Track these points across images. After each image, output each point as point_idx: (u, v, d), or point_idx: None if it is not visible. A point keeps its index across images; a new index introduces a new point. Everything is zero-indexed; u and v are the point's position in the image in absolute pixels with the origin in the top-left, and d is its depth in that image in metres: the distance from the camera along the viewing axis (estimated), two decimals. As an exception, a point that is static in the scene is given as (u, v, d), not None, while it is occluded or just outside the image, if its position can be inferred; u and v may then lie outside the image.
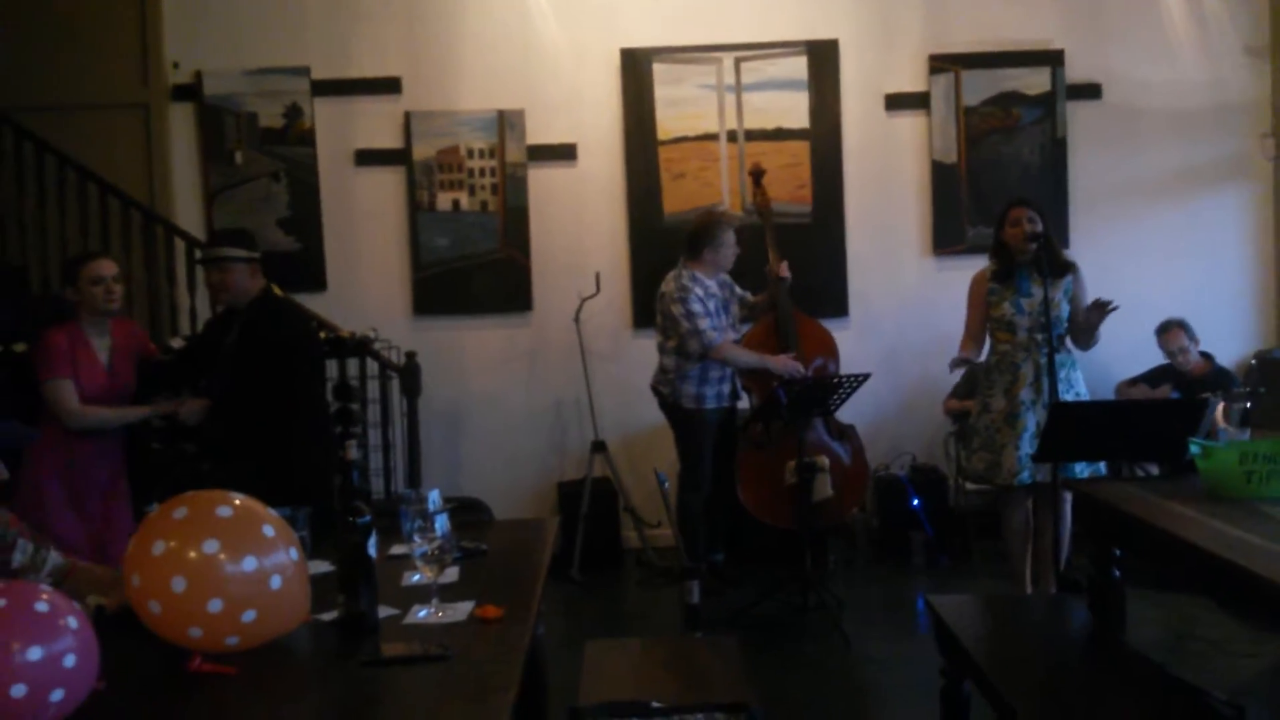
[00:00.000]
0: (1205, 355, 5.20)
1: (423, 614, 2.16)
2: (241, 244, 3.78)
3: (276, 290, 3.91)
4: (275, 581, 1.94)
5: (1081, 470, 4.04)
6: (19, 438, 3.80)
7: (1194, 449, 2.89)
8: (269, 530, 1.99)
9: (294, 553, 2.01)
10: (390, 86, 5.63)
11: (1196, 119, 5.73)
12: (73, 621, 1.70)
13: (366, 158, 5.68)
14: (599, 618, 4.81)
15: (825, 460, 4.70)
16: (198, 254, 3.83)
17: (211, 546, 1.91)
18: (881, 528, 5.39)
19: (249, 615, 1.91)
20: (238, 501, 2.02)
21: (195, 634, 1.91)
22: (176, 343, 4.38)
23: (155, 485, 3.73)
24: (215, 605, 1.88)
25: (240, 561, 1.92)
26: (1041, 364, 4.07)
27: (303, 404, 3.74)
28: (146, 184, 5.55)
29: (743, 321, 4.91)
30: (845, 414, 4.77)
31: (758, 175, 5.07)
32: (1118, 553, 3.00)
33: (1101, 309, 4.02)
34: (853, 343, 5.40)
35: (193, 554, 1.90)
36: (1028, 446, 4.04)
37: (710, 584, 4.66)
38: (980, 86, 5.67)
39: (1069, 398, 4.10)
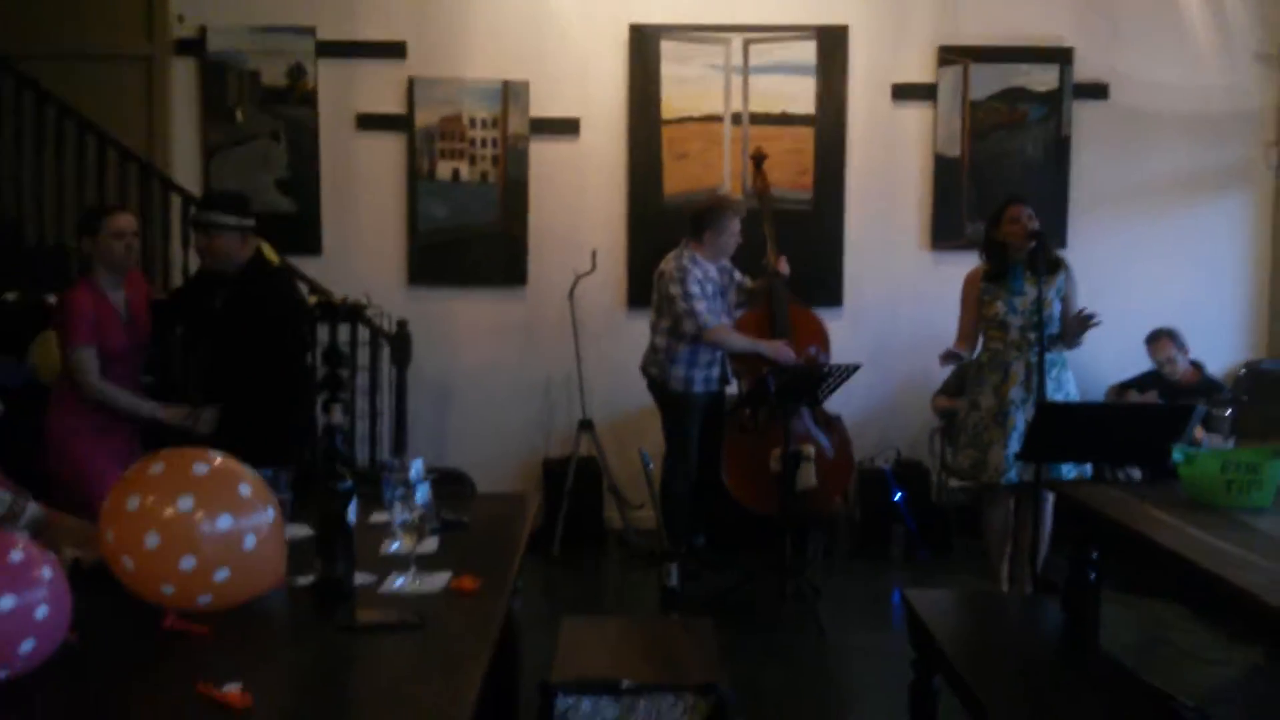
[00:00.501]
0: (1195, 364, 5.21)
1: (400, 583, 2.17)
2: (234, 209, 3.71)
3: (270, 254, 3.89)
4: (250, 541, 1.94)
5: (1068, 471, 4.06)
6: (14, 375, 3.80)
7: (1177, 455, 2.90)
8: (245, 489, 1.99)
9: (270, 513, 2.01)
10: (395, 51, 5.59)
11: (1202, 124, 5.71)
12: (47, 573, 1.70)
13: (368, 122, 5.64)
14: (578, 596, 4.83)
15: (811, 450, 4.71)
16: (192, 216, 3.76)
17: (186, 503, 1.91)
18: (863, 520, 5.41)
19: (222, 574, 1.91)
20: (216, 459, 2.01)
21: (168, 591, 1.91)
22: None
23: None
24: (188, 563, 1.89)
25: (215, 519, 1.92)
26: (1033, 363, 4.08)
27: (287, 373, 3.71)
28: (146, 137, 5.51)
29: (737, 308, 4.91)
30: (833, 405, 4.78)
31: (759, 160, 5.06)
32: (1095, 555, 3.01)
33: (1084, 321, 4.03)
34: (845, 333, 5.39)
35: (167, 510, 1.90)
36: (1015, 445, 4.05)
37: (690, 567, 4.68)
38: (988, 81, 5.64)
39: (1058, 398, 4.11)
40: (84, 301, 3.52)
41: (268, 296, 3.72)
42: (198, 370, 3.74)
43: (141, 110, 5.55)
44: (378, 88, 5.62)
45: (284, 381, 3.66)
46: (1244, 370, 5.55)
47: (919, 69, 5.68)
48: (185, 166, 5.56)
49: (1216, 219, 5.77)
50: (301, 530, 2.45)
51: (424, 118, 5.60)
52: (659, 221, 5.56)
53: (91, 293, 3.55)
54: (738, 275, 4.91)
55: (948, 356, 4.30)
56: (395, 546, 2.34)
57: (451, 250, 5.65)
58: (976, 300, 4.27)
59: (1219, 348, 5.60)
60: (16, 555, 1.68)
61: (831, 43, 5.61)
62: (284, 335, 3.73)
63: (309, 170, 5.61)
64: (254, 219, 3.77)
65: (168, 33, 5.55)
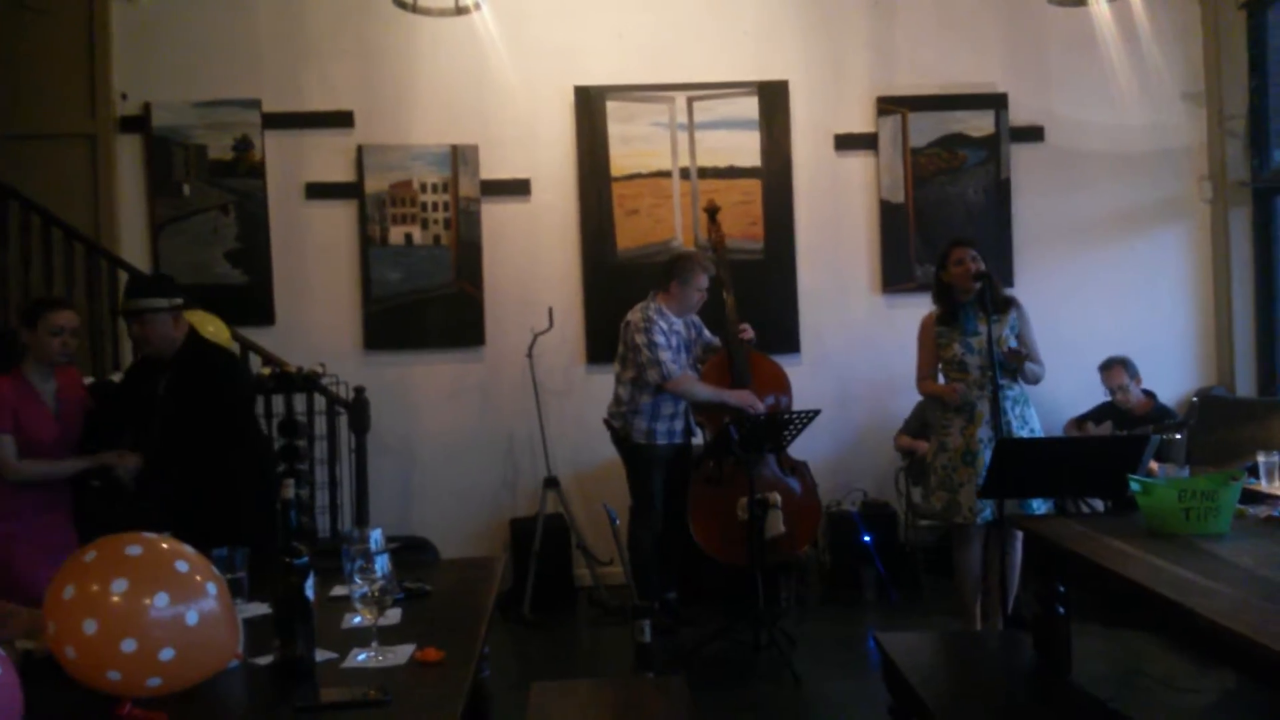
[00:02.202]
0: (1147, 393, 5.30)
1: (362, 658, 2.12)
2: (162, 291, 3.63)
3: (221, 328, 3.83)
4: (192, 618, 1.89)
5: (1038, 507, 4.08)
6: None
7: (1134, 486, 2.94)
8: (183, 566, 1.94)
9: (212, 587, 1.96)
10: (342, 120, 5.62)
11: (1136, 162, 5.88)
12: (-6, 668, 1.64)
13: (317, 191, 5.64)
14: (549, 658, 4.75)
15: (777, 497, 4.70)
16: (121, 305, 3.66)
17: (120, 585, 1.86)
18: (833, 564, 5.40)
19: (167, 654, 1.86)
20: (150, 539, 1.97)
21: (114, 677, 1.85)
22: (117, 377, 4.28)
23: (93, 524, 3.62)
24: (129, 645, 1.83)
25: (152, 599, 1.87)
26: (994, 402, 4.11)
27: (239, 450, 3.64)
28: (92, 215, 5.46)
29: (700, 363, 4.92)
30: (797, 450, 4.79)
31: (713, 212, 5.11)
32: (1062, 589, 3.03)
33: (1015, 355, 4.10)
34: (805, 379, 5.43)
35: (101, 595, 1.85)
36: (987, 484, 4.07)
37: (662, 623, 4.63)
38: (927, 128, 5.78)
39: (1024, 434, 4.15)
40: (3, 389, 3.46)
41: (211, 373, 3.64)
42: (146, 457, 3.63)
43: (87, 188, 5.50)
44: (326, 157, 5.63)
45: (238, 459, 3.59)
46: (1195, 398, 5.66)
47: (859, 119, 5.81)
48: (133, 243, 5.52)
49: (1158, 252, 5.91)
50: (259, 608, 2.40)
51: (374, 184, 5.61)
52: (614, 277, 5.60)
53: (14, 382, 3.49)
54: (706, 333, 4.94)
55: (952, 392, 4.26)
56: (357, 620, 2.30)
57: (407, 314, 5.63)
58: (933, 343, 4.33)
59: (1169, 377, 5.71)
60: (-39, 651, 1.62)
61: (773, 97, 5.73)
62: (234, 411, 3.67)
63: (259, 241, 5.58)
64: (182, 296, 3.71)
65: (111, 110, 5.53)
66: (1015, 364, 4.12)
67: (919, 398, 5.07)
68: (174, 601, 1.88)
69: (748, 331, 4.84)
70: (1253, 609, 2.14)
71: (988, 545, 4.27)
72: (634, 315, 4.74)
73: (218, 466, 3.51)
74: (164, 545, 1.98)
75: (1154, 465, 3.25)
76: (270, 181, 5.59)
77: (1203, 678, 3.79)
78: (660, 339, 4.63)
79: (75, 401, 3.65)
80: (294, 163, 5.62)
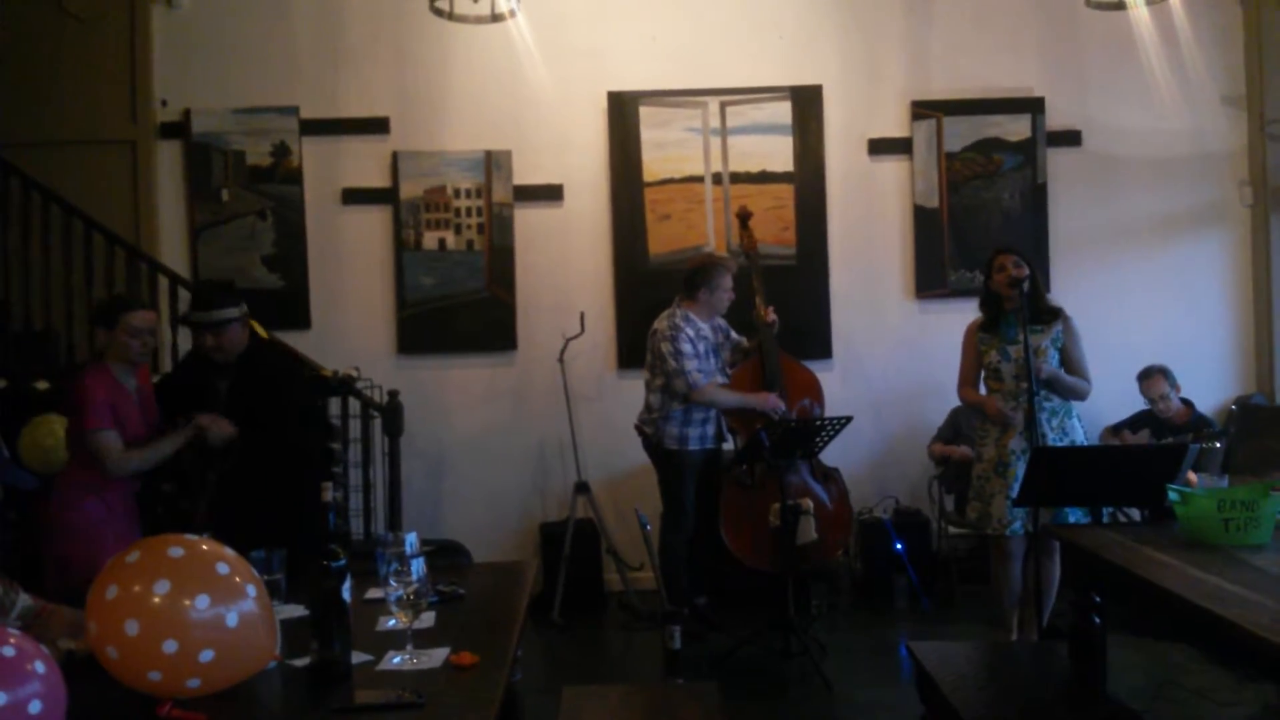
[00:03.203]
0: (1186, 402, 5.23)
1: (397, 660, 2.14)
2: (232, 300, 3.72)
3: (260, 331, 3.89)
4: (232, 619, 1.92)
5: (1074, 517, 4.03)
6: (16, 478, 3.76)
7: (1173, 496, 2.90)
8: (223, 568, 1.97)
9: (252, 589, 1.99)
10: (378, 126, 5.67)
11: (1175, 166, 5.81)
12: (40, 666, 1.67)
13: (353, 196, 5.70)
14: (579, 662, 4.76)
15: (809, 503, 4.68)
16: (191, 315, 3.71)
17: (163, 587, 1.89)
18: (865, 571, 5.37)
19: (207, 655, 1.88)
20: (191, 541, 2.00)
21: (155, 678, 1.88)
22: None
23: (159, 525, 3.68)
24: (170, 646, 1.86)
25: (193, 600, 1.89)
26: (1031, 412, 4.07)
27: (306, 450, 3.75)
28: (132, 220, 5.55)
29: (731, 366, 4.92)
30: (829, 456, 4.77)
31: (744, 218, 5.11)
32: (1099, 600, 2.99)
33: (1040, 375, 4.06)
34: (837, 384, 5.41)
35: (144, 596, 1.88)
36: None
37: (693, 628, 4.63)
38: (962, 133, 5.74)
39: (1062, 445, 4.10)
40: (98, 386, 3.49)
41: (276, 373, 3.77)
42: (215, 461, 3.67)
43: (127, 193, 5.59)
44: (362, 163, 5.69)
45: (305, 459, 3.66)
46: (1235, 406, 5.57)
47: (893, 124, 5.78)
48: (172, 248, 5.60)
49: (1197, 258, 5.83)
50: (296, 610, 2.43)
51: (409, 190, 5.66)
52: (645, 282, 5.61)
53: (105, 378, 3.52)
54: (734, 335, 4.94)
55: (993, 407, 4.24)
56: (391, 623, 2.31)
57: (440, 319, 5.67)
58: (975, 350, 4.30)
59: (1207, 385, 5.63)
60: (8, 650, 1.65)
61: (806, 102, 5.71)
62: (306, 408, 3.82)
63: (296, 246, 5.65)
64: (242, 299, 3.79)
65: (152, 117, 5.62)
66: (1042, 381, 4.07)
67: (953, 405, 5.05)
68: (215, 603, 1.91)
69: (771, 314, 4.82)
70: (1295, 622, 2.11)
71: (1025, 557, 4.23)
72: (660, 324, 4.74)
73: (285, 463, 3.59)
74: (205, 547, 2.01)
75: (1192, 476, 3.20)
76: (307, 187, 5.66)
77: (1241, 690, 3.73)
78: (687, 347, 4.62)
79: (151, 398, 3.72)
80: (330, 168, 5.68)
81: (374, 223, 5.70)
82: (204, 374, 3.74)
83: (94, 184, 5.48)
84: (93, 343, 5.12)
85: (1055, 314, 4.24)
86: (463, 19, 4.30)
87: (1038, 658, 3.30)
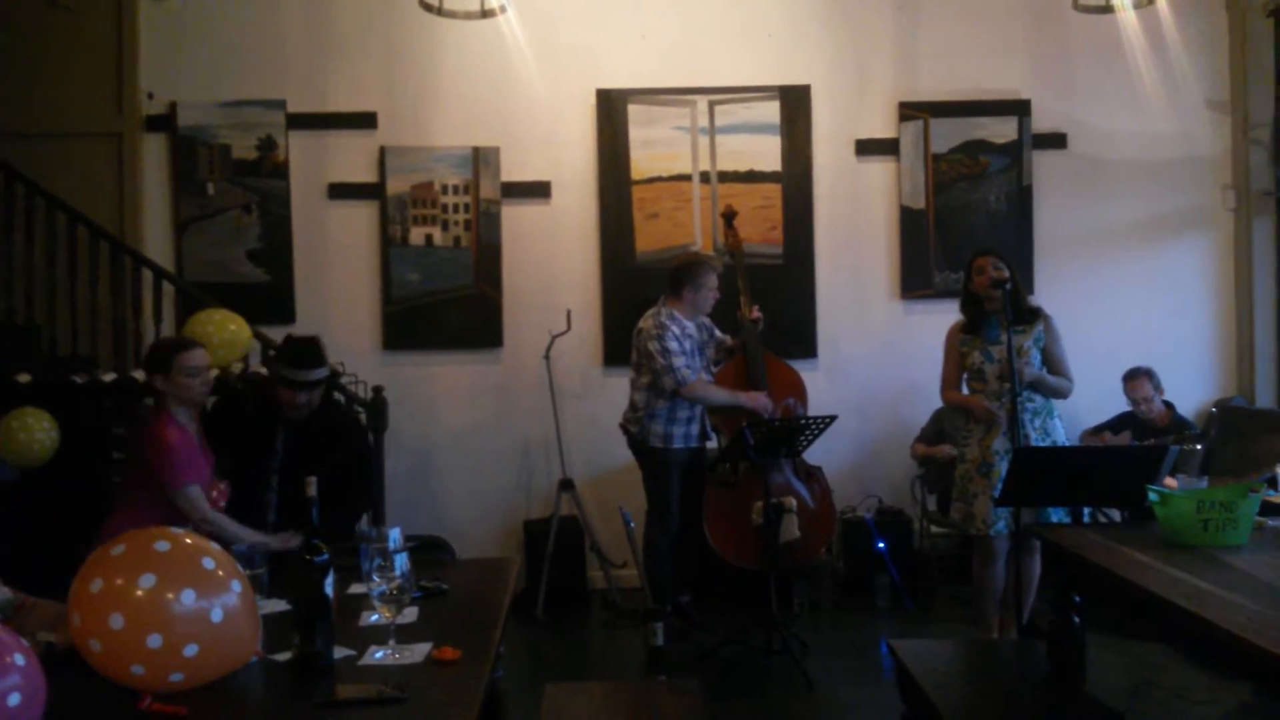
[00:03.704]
0: (1167, 404, 5.27)
1: (379, 655, 2.14)
2: (324, 358, 3.73)
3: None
4: (217, 614, 1.92)
5: (1055, 517, 4.06)
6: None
7: (1152, 496, 2.92)
8: (209, 563, 1.97)
9: (236, 584, 1.99)
10: (366, 121, 5.65)
11: (1159, 170, 5.85)
12: (19, 659, 1.66)
13: (340, 191, 5.68)
14: (562, 659, 4.76)
15: (792, 502, 4.71)
16: (290, 374, 3.68)
17: (148, 581, 1.88)
18: (847, 570, 5.39)
19: (191, 650, 1.88)
20: (177, 535, 2.00)
21: (138, 671, 1.88)
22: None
23: None
24: (155, 640, 1.86)
25: (179, 595, 1.89)
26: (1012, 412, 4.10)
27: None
28: (117, 213, 5.52)
29: (715, 364, 4.93)
30: (812, 456, 4.79)
31: (730, 217, 5.12)
32: (1078, 599, 3.01)
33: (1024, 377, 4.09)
34: (821, 384, 5.43)
35: (129, 589, 1.88)
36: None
37: (676, 626, 4.64)
38: (949, 134, 5.76)
39: (1044, 445, 4.13)
40: (175, 438, 3.38)
41: (338, 431, 3.84)
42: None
43: (112, 186, 5.56)
44: (349, 157, 5.67)
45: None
46: (1215, 409, 5.62)
47: (881, 124, 5.80)
48: (156, 241, 5.57)
49: (1180, 261, 5.87)
50: (278, 605, 2.42)
51: (396, 185, 5.65)
52: (632, 280, 5.61)
53: (177, 429, 3.42)
54: (717, 333, 4.95)
55: (980, 406, 4.26)
56: (374, 618, 2.31)
57: (426, 315, 5.66)
58: (957, 351, 4.32)
59: (1188, 387, 5.67)
60: (-13, 643, 1.65)
61: (794, 101, 5.72)
62: (360, 466, 3.85)
63: (281, 241, 5.62)
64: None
65: (137, 109, 5.59)
66: (1024, 382, 4.09)
67: (936, 405, 5.07)
68: (200, 598, 1.91)
69: (756, 311, 4.83)
70: (1271, 621, 2.13)
71: (1007, 556, 4.25)
72: (646, 323, 4.74)
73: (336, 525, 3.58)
74: (191, 542, 2.01)
75: (1171, 480, 3.23)
76: (293, 181, 5.64)
77: (1218, 690, 3.76)
78: (674, 345, 4.63)
79: (204, 439, 3.60)
80: (317, 163, 5.66)
81: (361, 218, 5.68)
82: (259, 420, 3.72)
83: (79, 177, 5.45)
84: (74, 339, 5.10)
85: (1036, 314, 4.27)
86: (452, 14, 4.29)
87: (1018, 657, 3.33)
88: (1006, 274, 4.14)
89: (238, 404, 4.07)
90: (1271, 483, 3.60)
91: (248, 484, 3.66)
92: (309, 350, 3.87)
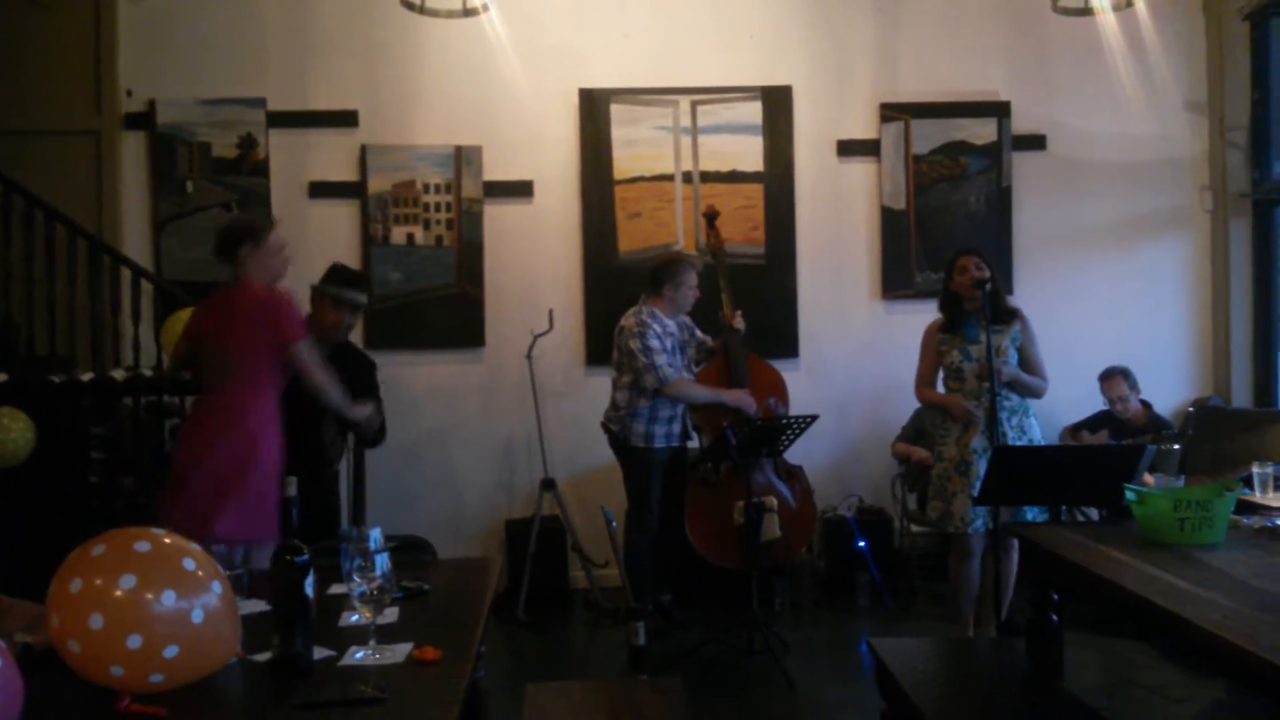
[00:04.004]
0: (1144, 403, 5.32)
1: (360, 655, 2.13)
2: (365, 287, 4.12)
3: None
4: (197, 616, 1.91)
5: (1033, 515, 4.09)
6: None
7: (1129, 495, 2.95)
8: (189, 564, 1.96)
9: (217, 585, 1.98)
10: (347, 120, 5.63)
11: (1138, 171, 5.90)
12: (-6, 660, 1.65)
13: (321, 190, 5.65)
14: (544, 659, 4.76)
15: (773, 501, 4.73)
16: (343, 292, 4.13)
17: (129, 582, 1.87)
18: (828, 569, 5.42)
19: (171, 651, 1.87)
20: (157, 536, 1.99)
21: (117, 672, 1.86)
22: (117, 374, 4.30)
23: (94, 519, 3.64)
24: (135, 641, 1.85)
25: (159, 596, 1.88)
26: (989, 412, 4.12)
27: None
28: (96, 211, 5.47)
29: (696, 364, 4.94)
30: (793, 455, 4.81)
31: (711, 217, 5.13)
32: (1055, 597, 3.04)
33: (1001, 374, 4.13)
34: (803, 384, 5.45)
35: (109, 590, 1.87)
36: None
37: (657, 625, 4.65)
38: (929, 135, 5.80)
39: (1021, 444, 4.16)
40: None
41: (370, 370, 4.31)
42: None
43: (90, 185, 5.52)
44: (330, 156, 5.65)
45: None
46: (1192, 408, 5.67)
47: (862, 125, 5.82)
48: (135, 240, 5.53)
49: (1157, 261, 5.93)
50: (258, 606, 2.41)
51: (377, 184, 5.63)
52: (615, 280, 5.62)
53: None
54: (698, 333, 4.96)
55: (957, 405, 4.28)
56: (354, 618, 2.31)
57: (408, 314, 5.64)
58: (934, 350, 4.35)
59: (1166, 387, 5.72)
60: (-38, 644, 1.63)
61: (776, 102, 5.74)
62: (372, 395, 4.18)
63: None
64: None
65: (116, 107, 5.55)
66: (1004, 381, 4.12)
67: (916, 405, 5.10)
68: (180, 599, 1.90)
69: (739, 320, 4.85)
70: (1246, 619, 2.16)
71: (984, 554, 4.28)
72: (627, 321, 4.75)
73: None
74: (172, 543, 1.99)
75: (1148, 478, 3.26)
76: (274, 180, 5.61)
77: (1195, 687, 3.79)
78: (655, 343, 4.64)
79: None
80: (298, 161, 5.64)
81: (341, 217, 5.66)
82: None
83: (57, 175, 5.40)
84: (52, 338, 5.06)
85: (1013, 314, 4.30)
86: (434, 12, 4.28)
87: (996, 654, 3.35)
88: (988, 274, 4.18)
89: None
90: (1247, 482, 3.63)
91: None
92: (358, 276, 4.49)
